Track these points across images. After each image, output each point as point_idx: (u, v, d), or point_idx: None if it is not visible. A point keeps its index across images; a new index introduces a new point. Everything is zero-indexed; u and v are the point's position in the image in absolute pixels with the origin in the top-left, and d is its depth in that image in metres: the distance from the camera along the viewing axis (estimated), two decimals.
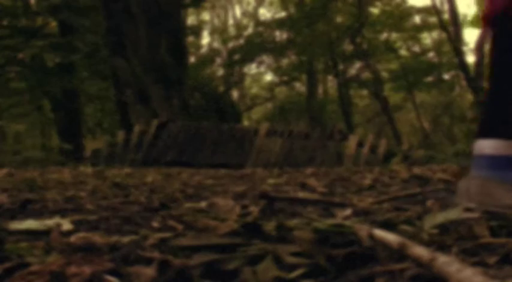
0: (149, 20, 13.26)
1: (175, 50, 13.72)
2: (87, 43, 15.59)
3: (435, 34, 25.49)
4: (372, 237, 0.59)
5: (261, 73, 28.93)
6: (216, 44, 28.70)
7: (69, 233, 1.02)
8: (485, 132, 1.46)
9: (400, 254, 0.53)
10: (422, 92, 25.06)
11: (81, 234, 0.84)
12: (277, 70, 25.49)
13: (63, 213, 1.58)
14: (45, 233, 1.08)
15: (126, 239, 0.83)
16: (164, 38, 13.48)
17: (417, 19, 23.92)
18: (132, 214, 1.52)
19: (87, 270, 0.53)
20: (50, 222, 1.22)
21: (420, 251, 0.48)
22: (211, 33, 29.48)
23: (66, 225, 1.21)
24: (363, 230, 0.62)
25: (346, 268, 0.55)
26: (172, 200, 2.02)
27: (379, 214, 1.21)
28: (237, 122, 16.74)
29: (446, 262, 0.43)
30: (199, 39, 28.75)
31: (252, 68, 27.14)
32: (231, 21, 30.48)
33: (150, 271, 0.53)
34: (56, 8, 14.50)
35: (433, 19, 22.18)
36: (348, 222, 0.79)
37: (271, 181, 3.22)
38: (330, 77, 26.14)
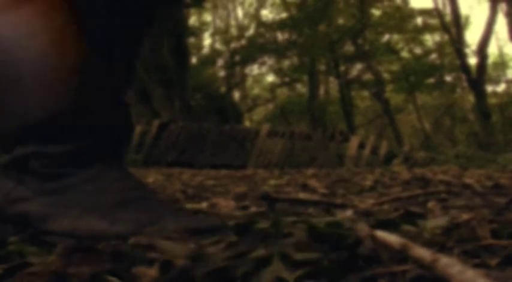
0: None
1: (177, 51, 13.74)
2: None
3: (437, 36, 25.49)
4: (373, 238, 0.59)
5: (263, 74, 28.95)
6: (217, 45, 28.74)
7: None
8: None
9: (401, 255, 0.53)
10: (424, 93, 25.06)
11: None
12: (278, 71, 25.50)
13: None
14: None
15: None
16: (166, 38, 13.50)
17: (419, 21, 23.94)
18: None
19: (87, 270, 0.53)
20: None
21: (422, 252, 0.48)
22: (213, 34, 29.51)
23: None
24: (364, 231, 0.62)
25: (348, 270, 0.55)
26: (173, 201, 2.02)
27: (380, 215, 1.21)
28: (238, 122, 16.75)
29: (448, 263, 0.43)
30: (201, 40, 28.79)
31: (253, 69, 27.17)
32: (232, 22, 30.51)
33: (152, 271, 0.53)
34: None
35: (434, 21, 22.19)
36: (349, 223, 0.79)
37: (272, 182, 3.21)
38: (331, 78, 26.15)
